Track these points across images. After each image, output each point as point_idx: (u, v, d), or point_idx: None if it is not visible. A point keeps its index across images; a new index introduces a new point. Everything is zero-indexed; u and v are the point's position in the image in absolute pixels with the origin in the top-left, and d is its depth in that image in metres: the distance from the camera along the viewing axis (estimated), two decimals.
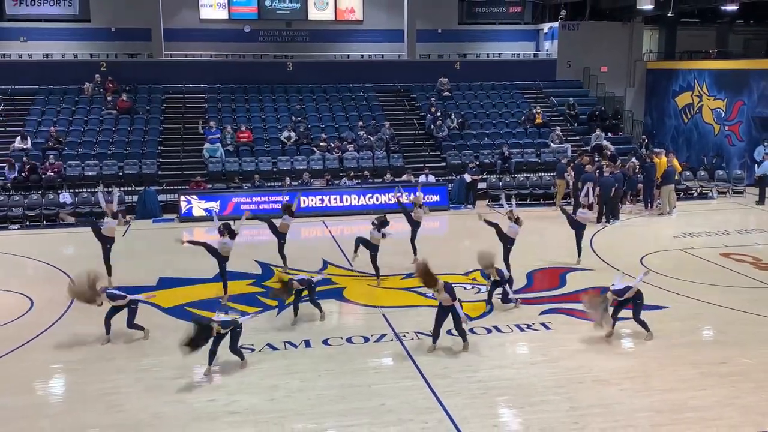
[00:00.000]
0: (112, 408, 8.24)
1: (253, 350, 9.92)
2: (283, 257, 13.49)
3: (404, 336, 10.39)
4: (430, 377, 8.91)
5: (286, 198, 20.13)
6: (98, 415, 8.06)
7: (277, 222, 13.77)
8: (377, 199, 20.63)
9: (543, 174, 22.78)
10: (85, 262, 15.00)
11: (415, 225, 14.41)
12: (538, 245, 15.88)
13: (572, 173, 19.94)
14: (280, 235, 13.68)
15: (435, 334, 9.81)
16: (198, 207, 19.69)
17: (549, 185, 21.99)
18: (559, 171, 20.75)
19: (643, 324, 10.25)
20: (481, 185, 22.43)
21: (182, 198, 19.70)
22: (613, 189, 18.49)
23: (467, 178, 20.96)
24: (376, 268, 12.71)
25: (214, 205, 19.74)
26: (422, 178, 21.79)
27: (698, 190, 22.52)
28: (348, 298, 12.17)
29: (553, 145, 24.42)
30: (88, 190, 20.32)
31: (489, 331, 10.63)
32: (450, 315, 9.70)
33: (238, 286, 12.90)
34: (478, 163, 21.95)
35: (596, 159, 21.04)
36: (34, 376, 9.13)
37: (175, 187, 20.73)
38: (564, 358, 9.52)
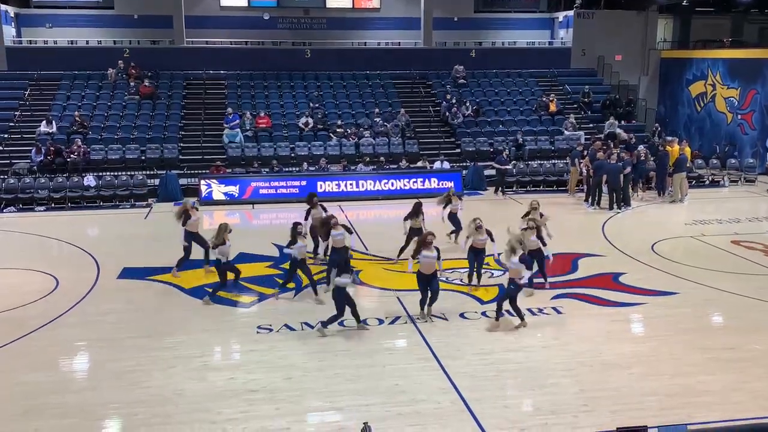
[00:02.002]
0: (134, 385, 8.35)
1: (271, 330, 9.99)
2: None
3: (418, 319, 10.41)
4: (443, 359, 8.94)
5: (304, 183, 20.24)
6: (121, 392, 8.18)
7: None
8: (392, 185, 20.61)
9: (556, 161, 22.61)
10: (108, 243, 15.19)
11: (456, 222, 14.10)
12: (551, 230, 15.75)
13: (586, 160, 19.77)
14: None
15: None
16: (218, 190, 19.77)
17: (562, 172, 21.83)
18: (572, 158, 20.58)
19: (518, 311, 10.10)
20: (494, 172, 22.31)
21: (203, 182, 19.79)
22: (622, 175, 18.32)
23: (498, 167, 20.46)
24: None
25: (233, 190, 19.81)
26: (437, 165, 21.73)
27: (710, 178, 22.27)
28: (363, 281, 12.20)
29: (566, 132, 24.22)
30: (112, 173, 20.48)
31: (501, 315, 10.63)
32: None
33: (256, 268, 12.97)
34: (508, 151, 21.20)
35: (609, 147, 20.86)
36: (59, 353, 9.27)
37: (196, 171, 20.81)
38: (574, 342, 9.50)
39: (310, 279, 11.08)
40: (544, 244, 11.73)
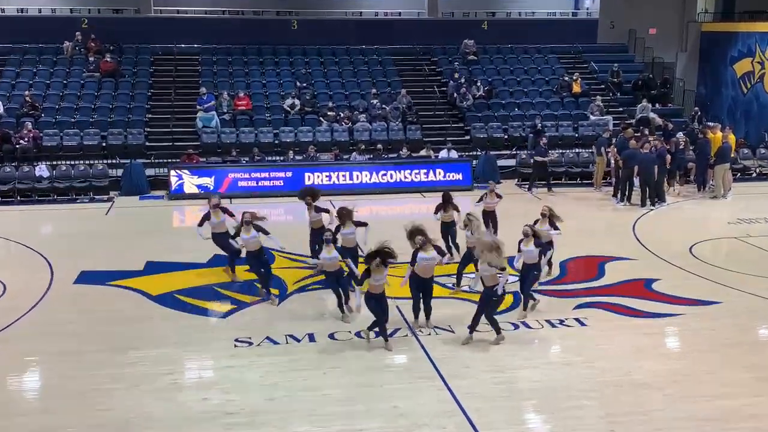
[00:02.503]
0: (95, 406, 8.34)
1: (251, 344, 10.01)
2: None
3: (420, 331, 10.43)
4: (448, 377, 8.95)
5: (289, 174, 20.23)
6: (80, 415, 8.17)
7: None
8: (391, 177, 20.64)
9: (580, 150, 22.65)
10: (64, 242, 15.19)
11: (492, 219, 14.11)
12: (573, 231, 15.82)
13: (614, 149, 19.82)
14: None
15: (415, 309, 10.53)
16: (190, 183, 19.78)
17: (587, 163, 21.88)
18: (598, 147, 20.61)
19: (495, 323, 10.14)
20: (509, 162, 22.36)
21: (173, 172, 19.79)
22: (656, 167, 18.36)
23: (539, 158, 20.22)
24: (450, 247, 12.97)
25: (208, 182, 19.82)
26: (443, 154, 21.75)
27: (757, 170, 22.31)
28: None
29: (592, 117, 24.26)
30: (68, 162, 20.47)
31: (516, 326, 10.65)
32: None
33: (237, 272, 12.96)
34: (546, 140, 20.75)
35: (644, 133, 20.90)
36: (6, 370, 9.26)
37: (165, 161, 20.81)
38: (600, 359, 9.53)
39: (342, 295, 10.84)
40: (556, 228, 11.84)
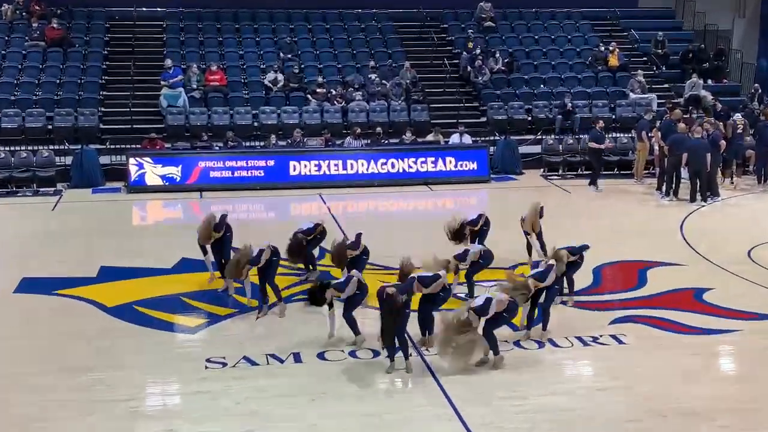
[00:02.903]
0: None
1: (225, 365, 10.01)
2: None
3: (427, 350, 10.42)
4: (461, 406, 8.94)
5: (271, 163, 20.24)
6: None
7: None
8: (393, 166, 20.67)
9: (618, 134, 22.66)
10: (2, 244, 15.17)
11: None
12: (609, 231, 15.82)
13: (658, 134, 19.83)
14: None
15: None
16: (153, 173, 19.79)
17: (626, 150, 21.89)
18: (640, 131, 20.62)
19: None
20: (533, 149, 22.38)
21: (132, 161, 19.80)
22: (708, 155, 18.36)
23: (595, 145, 19.99)
24: None
25: (174, 172, 19.83)
26: (454, 138, 21.76)
27: None
28: None
29: (632, 95, 24.28)
30: (6, 149, 20.45)
31: (541, 345, 10.64)
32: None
33: (203, 278, 13.01)
34: (602, 124, 20.43)
35: (694, 115, 20.89)
36: None
37: (123, 147, 20.82)
38: (641, 383, 9.52)
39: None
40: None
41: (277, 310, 11.60)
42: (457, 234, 12.31)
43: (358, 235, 12.09)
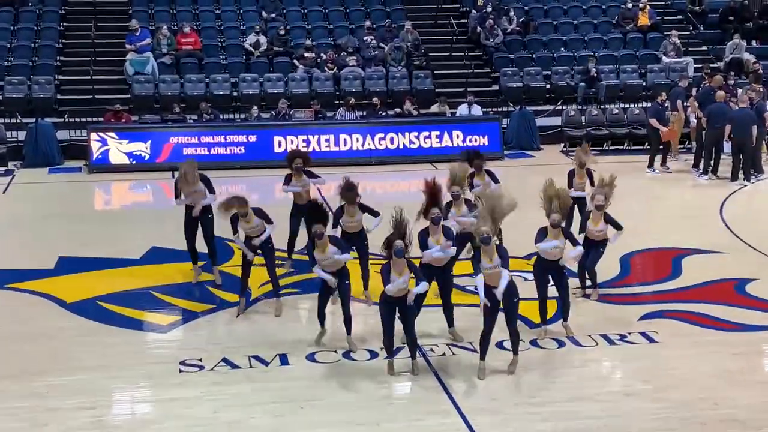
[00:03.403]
0: None
1: (201, 368, 10.00)
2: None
3: (431, 350, 10.42)
4: (469, 413, 8.95)
5: (253, 138, 20.20)
6: None
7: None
8: (392, 141, 20.65)
9: (649, 104, 22.60)
10: None
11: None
12: (639, 215, 15.80)
13: (695, 104, 19.79)
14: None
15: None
16: (117, 150, 19.76)
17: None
18: (674, 100, 20.57)
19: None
20: (553, 121, 22.34)
21: (94, 136, 19.75)
22: (753, 128, 18.34)
23: (653, 123, 19.53)
24: None
25: (142, 148, 19.79)
26: (462, 110, 21.71)
27: None
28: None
29: (665, 59, 24.23)
30: None
31: (561, 344, 10.65)
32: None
33: (177, 271, 13.01)
34: (664, 97, 19.83)
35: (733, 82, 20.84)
36: None
37: (84, 120, 20.76)
38: (675, 387, 9.53)
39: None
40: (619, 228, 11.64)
41: (273, 306, 11.52)
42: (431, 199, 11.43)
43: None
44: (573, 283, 11.54)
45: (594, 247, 11.59)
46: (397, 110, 21.62)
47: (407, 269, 9.55)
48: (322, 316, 10.63)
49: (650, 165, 19.80)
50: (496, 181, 12.92)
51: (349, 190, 11.64)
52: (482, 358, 9.75)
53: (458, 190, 11.72)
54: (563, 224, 10.66)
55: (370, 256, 11.93)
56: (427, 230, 10.49)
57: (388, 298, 9.57)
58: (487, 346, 9.72)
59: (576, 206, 12.68)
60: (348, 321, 10.45)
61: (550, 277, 10.77)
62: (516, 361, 9.84)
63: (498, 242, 9.81)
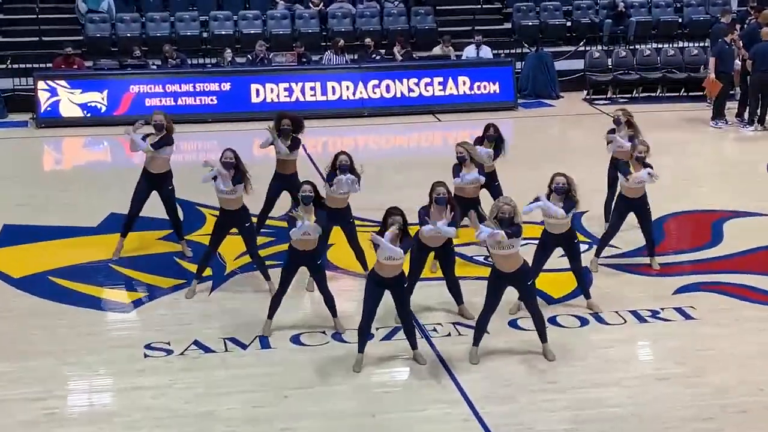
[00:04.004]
0: None
1: (170, 353, 10.05)
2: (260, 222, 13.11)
3: (434, 330, 10.48)
4: (478, 401, 9.00)
5: (227, 86, 20.14)
6: None
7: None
8: (387, 90, 20.59)
9: (686, 44, 22.57)
10: None
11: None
12: (673, 172, 15.83)
13: (740, 43, 19.73)
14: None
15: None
16: (69, 100, 19.69)
17: (697, 65, 21.80)
18: (715, 38, 20.53)
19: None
20: (576, 65, 22.28)
21: (41, 85, 19.70)
22: None
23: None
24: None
25: (98, 99, 19.70)
26: (469, 52, 21.65)
27: None
28: (334, 263, 12.25)
29: None
30: None
31: (584, 321, 10.71)
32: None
33: (140, 240, 13.03)
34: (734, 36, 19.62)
35: None
36: None
37: (29, 66, 20.72)
38: (715, 370, 9.58)
39: None
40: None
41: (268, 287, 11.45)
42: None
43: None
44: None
45: (636, 208, 11.69)
46: (377, 55, 21.40)
47: (446, 216, 9.78)
48: (275, 303, 10.44)
49: (717, 117, 19.70)
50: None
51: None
52: (474, 344, 9.80)
53: (463, 152, 11.71)
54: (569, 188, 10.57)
55: (358, 222, 11.96)
56: (429, 209, 10.34)
57: (377, 277, 9.50)
58: (482, 331, 9.78)
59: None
60: (330, 301, 10.44)
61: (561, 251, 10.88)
62: (548, 348, 9.85)
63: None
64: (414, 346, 9.75)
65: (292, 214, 9.90)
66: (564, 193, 10.43)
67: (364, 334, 9.65)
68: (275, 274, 10.84)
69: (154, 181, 12.39)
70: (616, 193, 12.30)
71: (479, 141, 12.74)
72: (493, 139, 12.74)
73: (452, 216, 9.86)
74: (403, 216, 9.37)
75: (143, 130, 12.37)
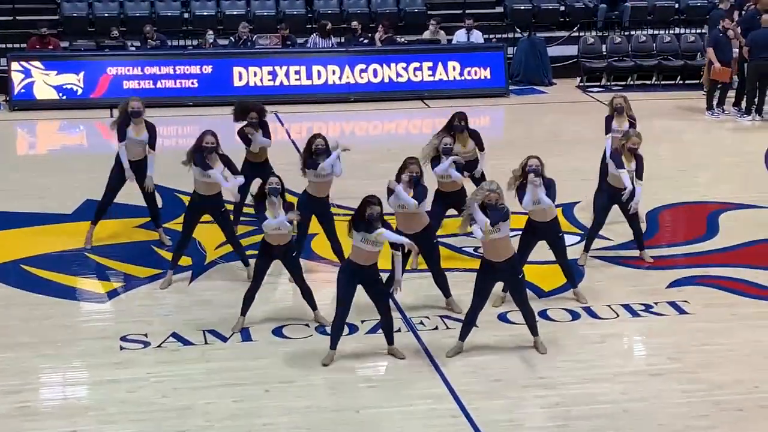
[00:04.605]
0: None
1: (146, 345, 10.03)
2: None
3: (421, 323, 10.48)
4: (466, 396, 9.00)
5: (208, 69, 20.08)
6: None
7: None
8: (375, 74, 20.56)
9: (683, 31, 22.59)
10: None
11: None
12: (668, 162, 15.85)
13: (737, 30, 19.73)
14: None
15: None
16: (43, 82, 19.62)
17: (693, 52, 21.83)
18: (712, 25, 20.55)
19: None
20: (567, 50, 22.29)
21: (14, 66, 19.61)
22: None
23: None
24: None
25: (74, 81, 19.63)
26: (459, 36, 21.63)
27: None
28: (319, 253, 12.26)
29: None
30: None
31: (575, 315, 10.73)
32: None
33: (117, 228, 13.03)
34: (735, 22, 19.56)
35: None
36: None
37: (2, 47, 20.69)
38: (709, 366, 9.60)
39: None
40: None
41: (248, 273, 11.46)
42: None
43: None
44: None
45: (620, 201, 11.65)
46: (365, 38, 21.34)
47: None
48: (248, 298, 10.37)
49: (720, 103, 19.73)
50: (481, 148, 12.75)
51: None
52: (461, 338, 9.81)
53: (450, 142, 11.67)
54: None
55: (341, 212, 11.94)
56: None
57: (353, 266, 9.48)
58: (470, 327, 9.78)
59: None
60: (307, 294, 10.43)
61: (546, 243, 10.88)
62: (539, 341, 9.86)
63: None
64: (390, 341, 9.74)
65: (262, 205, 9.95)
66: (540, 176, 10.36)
67: (339, 331, 9.63)
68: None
69: (131, 167, 12.32)
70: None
71: (446, 130, 12.41)
72: (462, 130, 12.47)
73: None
74: (381, 205, 9.33)
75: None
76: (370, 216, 9.18)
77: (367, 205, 9.26)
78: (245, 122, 12.43)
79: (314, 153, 11.25)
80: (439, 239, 11.03)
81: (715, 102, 19.39)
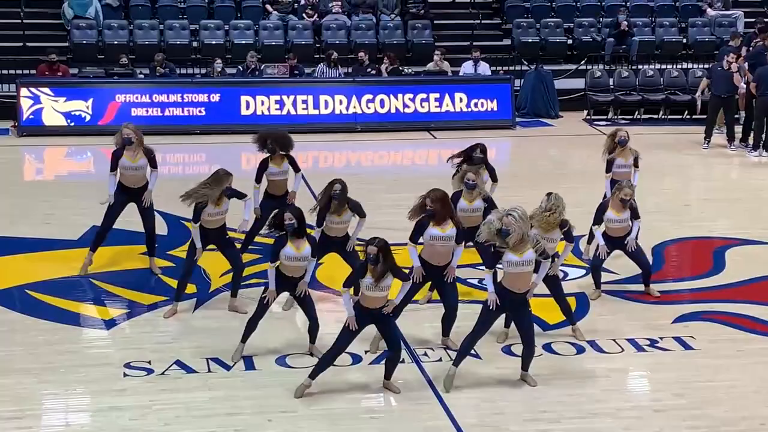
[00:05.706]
0: None
1: (150, 372, 10.02)
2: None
3: (425, 354, 10.46)
4: (469, 430, 8.97)
5: (216, 97, 20.13)
6: None
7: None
8: (382, 105, 20.60)
9: (691, 65, 22.63)
10: None
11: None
12: (675, 197, 15.84)
13: (745, 66, 19.77)
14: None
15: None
16: (52, 108, 19.67)
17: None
18: (720, 58, 20.58)
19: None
20: (576, 84, 22.34)
21: (24, 92, 19.67)
22: None
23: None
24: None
25: (83, 107, 19.70)
26: (466, 68, 21.69)
27: None
28: (324, 283, 12.24)
29: (711, 11, 24.21)
30: None
31: (580, 349, 10.71)
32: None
33: (122, 255, 13.03)
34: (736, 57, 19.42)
35: None
36: None
37: (12, 73, 20.70)
38: (715, 402, 9.57)
39: None
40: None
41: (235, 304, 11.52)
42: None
43: None
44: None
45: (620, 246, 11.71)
46: (372, 69, 21.40)
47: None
48: (251, 325, 10.33)
49: (743, 139, 19.78)
50: (494, 179, 12.84)
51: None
52: (455, 363, 9.74)
53: (474, 178, 11.64)
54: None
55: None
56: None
57: (362, 306, 9.38)
58: (465, 354, 9.73)
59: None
60: (314, 328, 10.37)
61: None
62: (529, 376, 9.83)
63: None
64: (388, 377, 9.67)
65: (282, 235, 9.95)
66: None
67: (327, 365, 9.57)
68: (257, 292, 10.72)
69: (131, 194, 12.36)
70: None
71: (466, 160, 12.57)
72: (480, 161, 12.54)
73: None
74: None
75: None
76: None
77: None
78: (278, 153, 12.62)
79: (332, 198, 11.17)
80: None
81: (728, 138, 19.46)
